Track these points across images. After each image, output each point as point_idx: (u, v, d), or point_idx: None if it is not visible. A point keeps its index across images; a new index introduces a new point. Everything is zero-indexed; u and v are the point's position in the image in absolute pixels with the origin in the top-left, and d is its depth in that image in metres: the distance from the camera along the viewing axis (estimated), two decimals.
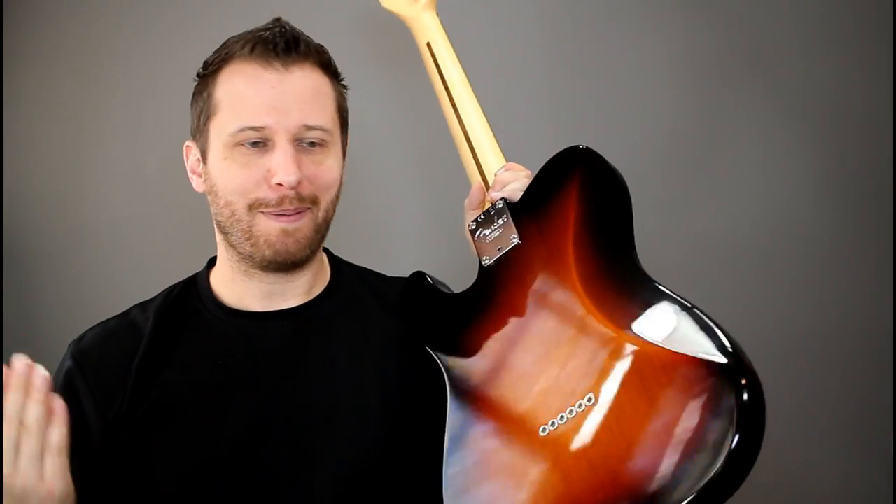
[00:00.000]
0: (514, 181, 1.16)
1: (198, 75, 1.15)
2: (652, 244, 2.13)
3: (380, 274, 1.29)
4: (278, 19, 1.14)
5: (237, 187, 1.07)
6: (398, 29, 2.09)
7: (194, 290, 1.20)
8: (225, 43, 1.14)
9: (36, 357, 2.14)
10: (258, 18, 2.08)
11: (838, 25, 1.99)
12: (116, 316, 1.19)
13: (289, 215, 1.07)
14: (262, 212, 1.07)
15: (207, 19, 2.08)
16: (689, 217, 2.04)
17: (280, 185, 1.05)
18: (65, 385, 1.11)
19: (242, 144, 1.06)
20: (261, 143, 1.07)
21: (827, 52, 1.99)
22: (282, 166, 1.04)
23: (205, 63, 1.15)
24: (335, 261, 1.27)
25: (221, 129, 1.08)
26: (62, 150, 2.13)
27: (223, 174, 1.08)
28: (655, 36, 1.99)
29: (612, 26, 2.00)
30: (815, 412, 2.02)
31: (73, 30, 2.11)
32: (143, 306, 1.18)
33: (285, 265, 1.11)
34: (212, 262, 1.22)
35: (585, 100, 2.02)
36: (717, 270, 2.03)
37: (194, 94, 1.15)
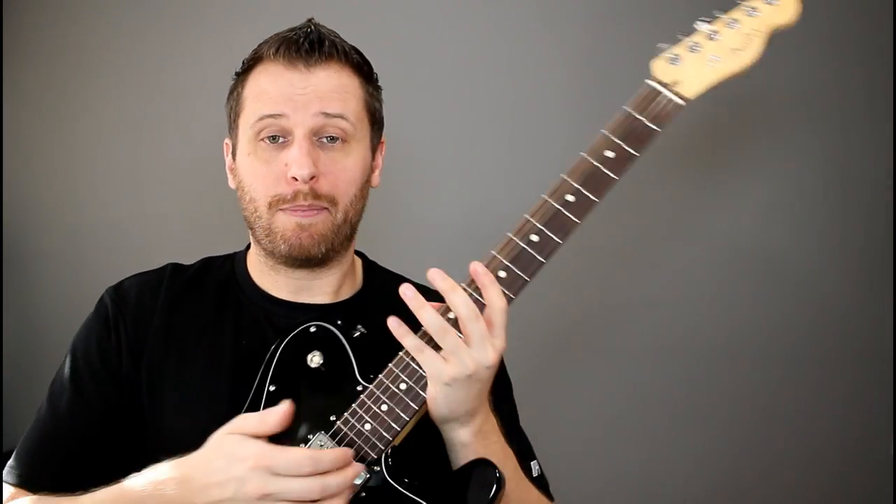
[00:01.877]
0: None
1: (236, 74, 1.18)
2: (659, 246, 2.14)
3: (415, 283, 1.28)
4: (310, 20, 1.15)
5: (259, 184, 1.09)
6: (399, 30, 2.10)
7: (230, 266, 1.22)
8: (261, 43, 1.15)
9: (35, 356, 2.15)
10: (257, 19, 2.09)
11: (840, 28, 1.99)
12: (152, 270, 1.22)
13: (304, 210, 1.09)
14: (281, 209, 1.09)
15: (206, 20, 2.09)
16: (694, 220, 2.04)
17: (294, 179, 1.06)
18: (104, 321, 1.14)
19: (264, 140, 1.09)
20: (280, 139, 1.08)
21: (830, 55, 1.99)
22: (295, 160, 1.06)
23: (242, 62, 1.17)
24: (371, 266, 1.27)
25: (246, 123, 1.11)
26: (62, 150, 2.13)
27: (248, 170, 1.11)
28: (661, 39, 1.99)
29: (617, 30, 2.00)
30: (816, 413, 2.02)
31: (73, 30, 2.11)
32: (177, 268, 1.21)
33: (301, 261, 1.12)
34: (249, 245, 1.24)
35: (591, 102, 2.02)
36: (721, 273, 2.03)
37: (228, 93, 1.17)
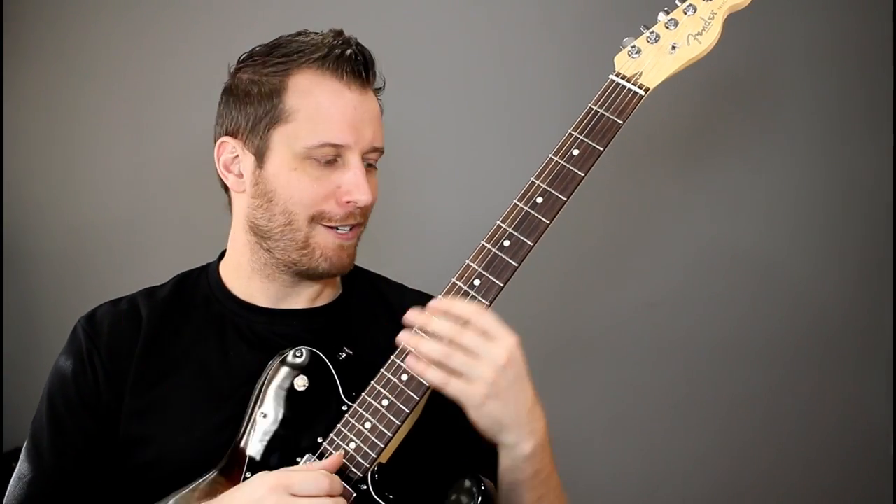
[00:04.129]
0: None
1: (235, 74, 1.13)
2: (659, 247, 2.14)
3: (395, 283, 1.29)
4: (341, 32, 1.12)
5: (304, 199, 1.07)
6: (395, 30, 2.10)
7: (205, 279, 1.21)
8: (280, 44, 1.11)
9: (35, 355, 2.15)
10: (257, 19, 2.09)
11: (840, 32, 1.99)
12: (125, 297, 1.20)
13: (345, 232, 1.10)
14: (324, 225, 1.09)
15: (206, 21, 2.09)
16: (694, 220, 2.04)
17: (349, 202, 1.07)
18: (78, 355, 1.13)
19: (315, 159, 1.07)
20: (331, 159, 1.08)
21: (829, 60, 1.99)
22: (357, 186, 1.07)
23: (263, 61, 1.10)
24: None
25: (294, 138, 1.07)
26: (62, 150, 2.13)
27: (290, 184, 1.08)
28: None
29: (619, 30, 2.00)
30: (816, 413, 2.02)
31: (73, 30, 2.11)
32: (150, 291, 1.20)
33: (329, 275, 1.13)
34: (222, 255, 1.23)
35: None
36: (720, 273, 2.03)
37: (244, 92, 1.11)
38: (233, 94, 1.13)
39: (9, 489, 1.10)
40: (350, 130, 1.07)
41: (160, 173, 2.09)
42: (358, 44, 1.11)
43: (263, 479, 0.93)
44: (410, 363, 0.96)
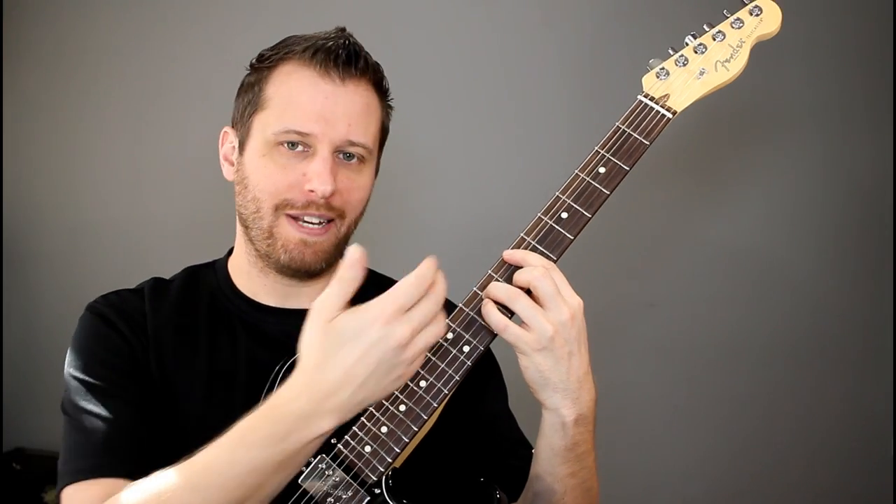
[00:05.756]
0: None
1: (251, 66, 1.14)
2: (659, 247, 2.15)
3: None
4: (343, 29, 1.12)
5: (269, 186, 1.07)
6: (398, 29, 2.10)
7: (213, 275, 1.19)
8: (285, 41, 1.12)
9: (35, 355, 2.16)
10: (257, 19, 2.10)
11: (840, 32, 1.99)
12: (133, 287, 1.17)
13: (312, 227, 1.08)
14: (287, 214, 1.07)
15: (206, 21, 2.09)
16: (694, 221, 2.04)
17: (311, 191, 1.05)
18: (100, 322, 1.09)
19: (283, 145, 1.07)
20: (301, 148, 1.07)
21: (830, 62, 1.99)
22: (318, 175, 1.05)
23: (260, 55, 1.13)
24: None
25: (265, 125, 1.08)
26: (62, 150, 2.13)
27: (258, 170, 1.08)
28: (661, 41, 1.99)
29: (618, 32, 2.00)
30: (816, 413, 2.02)
31: (73, 30, 2.11)
32: (159, 279, 1.18)
33: (298, 273, 1.11)
34: (230, 252, 1.22)
35: (593, 104, 2.02)
36: (720, 273, 2.03)
37: (243, 84, 1.14)
38: (239, 89, 1.15)
39: (67, 453, 1.03)
40: (317, 120, 1.06)
41: (160, 174, 2.09)
42: (348, 39, 1.10)
43: (362, 324, 0.87)
44: (484, 307, 0.95)
